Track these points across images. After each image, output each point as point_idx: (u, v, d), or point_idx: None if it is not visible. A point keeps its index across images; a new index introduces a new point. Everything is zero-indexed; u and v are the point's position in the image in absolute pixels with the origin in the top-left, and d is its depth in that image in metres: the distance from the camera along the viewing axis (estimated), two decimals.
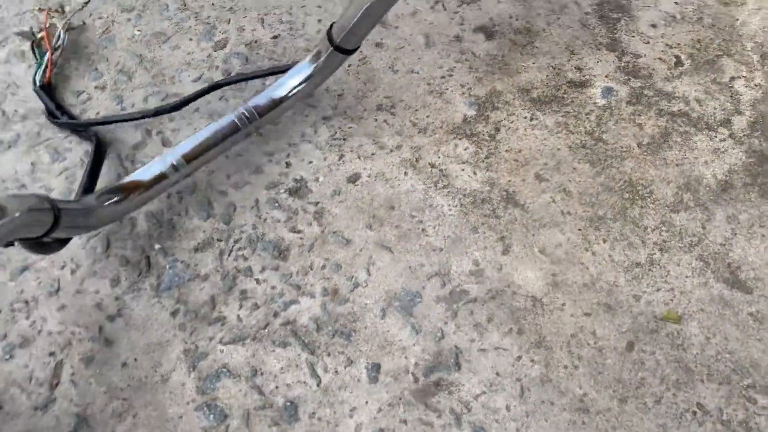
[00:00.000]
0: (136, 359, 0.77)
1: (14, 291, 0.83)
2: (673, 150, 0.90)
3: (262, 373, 0.75)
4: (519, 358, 0.75)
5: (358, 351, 0.76)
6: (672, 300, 0.78)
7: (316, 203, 0.88)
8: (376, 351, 0.76)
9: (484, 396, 0.72)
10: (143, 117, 0.93)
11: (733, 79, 0.97)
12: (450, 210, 0.86)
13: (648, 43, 1.02)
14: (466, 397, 0.72)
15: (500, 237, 0.84)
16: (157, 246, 0.85)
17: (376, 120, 0.96)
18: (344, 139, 0.94)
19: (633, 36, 1.03)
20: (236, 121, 0.83)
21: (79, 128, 0.96)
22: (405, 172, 0.90)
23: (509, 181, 0.88)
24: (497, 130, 0.93)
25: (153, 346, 0.78)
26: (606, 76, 0.98)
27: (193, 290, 0.82)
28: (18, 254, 0.86)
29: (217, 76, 1.01)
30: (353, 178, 0.90)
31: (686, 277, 0.79)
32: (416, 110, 0.96)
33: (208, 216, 0.87)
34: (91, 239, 0.87)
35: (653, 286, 0.79)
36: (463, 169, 0.90)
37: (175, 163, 0.80)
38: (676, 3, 1.07)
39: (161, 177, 0.80)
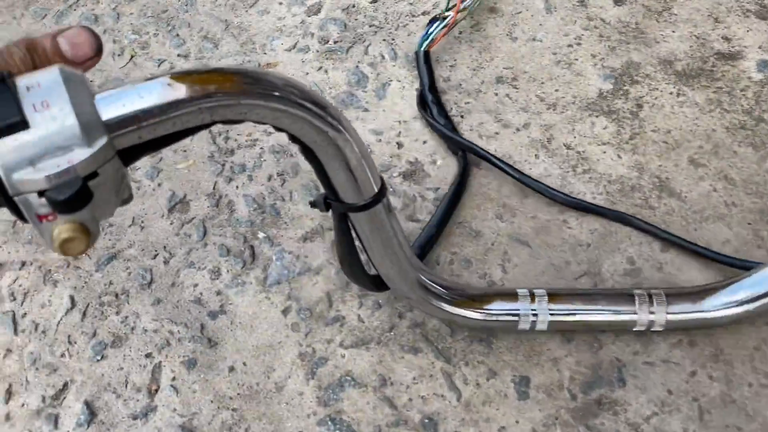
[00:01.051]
0: (244, 363, 0.68)
1: (101, 282, 0.74)
2: None
3: (392, 383, 0.66)
4: (693, 373, 0.64)
5: (500, 361, 0.66)
6: None
7: (436, 189, 0.77)
8: (522, 361, 0.66)
9: (655, 418, 0.62)
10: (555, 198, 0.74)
11: None
12: (594, 198, 0.75)
13: None
14: (634, 418, 0.62)
15: None
16: (260, 234, 0.76)
17: (496, 94, 0.85)
18: (461, 116, 0.83)
19: None
20: (637, 313, 0.63)
21: (449, 140, 0.79)
22: (536, 154, 0.79)
23: (660, 166, 0.77)
24: (639, 106, 0.82)
25: (263, 348, 0.69)
26: (759, 48, 0.86)
27: (305, 285, 0.72)
28: (103, 240, 0.77)
29: (313, 45, 0.91)
30: (476, 161, 0.79)
31: None
32: (542, 83, 0.85)
33: None
34: (185, 225, 0.77)
35: None
36: (604, 152, 0.79)
37: (538, 315, 0.63)
38: None
39: (510, 323, 0.64)
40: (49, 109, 0.31)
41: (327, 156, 0.49)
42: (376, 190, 0.53)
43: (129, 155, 0.36)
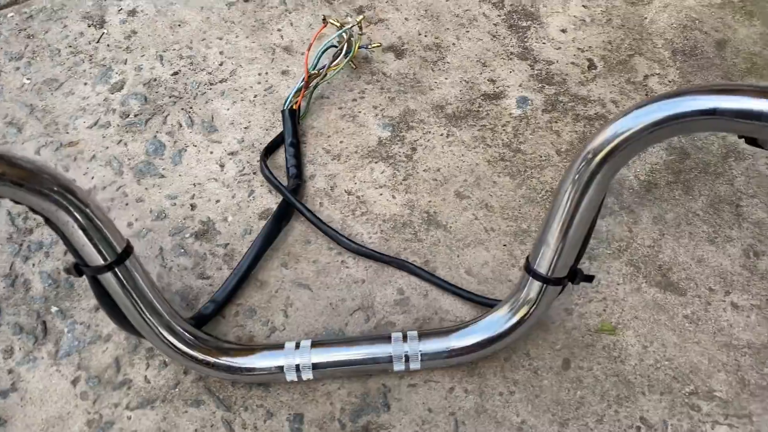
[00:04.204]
0: None
1: None
2: None
3: None
4: (451, 389, 0.69)
5: (278, 402, 0.70)
6: (605, 310, 0.74)
7: (226, 245, 0.82)
8: (298, 399, 0.70)
9: None
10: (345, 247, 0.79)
11: (647, 77, 0.96)
12: (370, 238, 0.81)
13: (559, 48, 1.00)
14: None
15: (425, 261, 0.79)
16: (54, 308, 0.78)
17: (285, 150, 0.90)
18: (254, 173, 0.88)
19: (544, 43, 1.01)
20: (393, 357, 0.67)
21: (279, 192, 0.84)
22: (320, 203, 0.85)
23: (429, 201, 0.84)
24: (414, 149, 0.89)
25: (52, 421, 0.70)
26: (520, 86, 0.96)
27: (95, 353, 0.74)
28: None
29: (114, 120, 0.95)
30: (265, 214, 0.84)
31: (617, 284, 0.76)
32: (329, 137, 0.92)
33: None
34: None
35: (585, 298, 0.75)
36: (381, 194, 0.85)
37: (300, 366, 0.67)
38: (584, 6, 1.06)
39: (275, 375, 0.68)
40: None
41: (66, 226, 0.55)
42: (120, 251, 0.59)
43: None
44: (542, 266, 0.63)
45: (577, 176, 0.56)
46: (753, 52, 0.99)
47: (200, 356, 0.67)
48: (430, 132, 0.91)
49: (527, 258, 0.65)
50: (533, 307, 0.65)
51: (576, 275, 0.64)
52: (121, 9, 1.09)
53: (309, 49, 0.92)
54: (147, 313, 0.64)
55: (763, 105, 0.49)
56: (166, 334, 0.65)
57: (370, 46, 0.98)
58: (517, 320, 0.66)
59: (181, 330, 0.66)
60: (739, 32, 1.01)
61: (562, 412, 0.67)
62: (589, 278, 0.65)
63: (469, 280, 0.77)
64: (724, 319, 0.73)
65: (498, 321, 0.67)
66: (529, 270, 0.64)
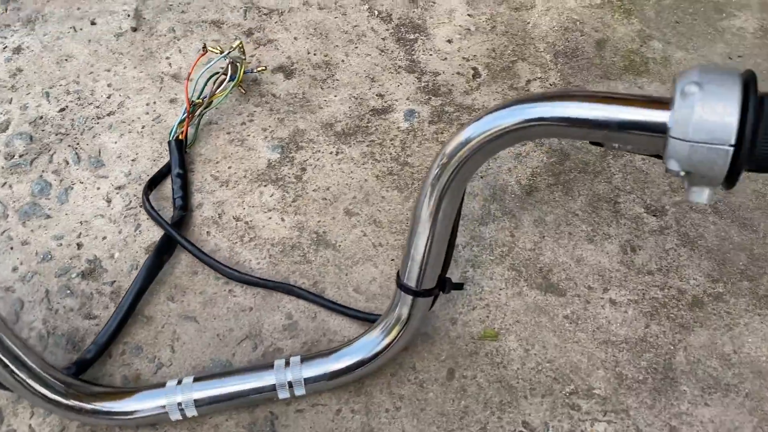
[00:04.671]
0: None
1: None
2: None
3: None
4: (338, 411, 0.70)
5: None
6: (488, 317, 0.75)
7: (112, 282, 0.80)
8: None
9: None
10: (231, 277, 0.79)
11: (529, 81, 0.98)
12: (258, 263, 0.81)
13: (445, 59, 1.02)
14: None
15: (313, 282, 0.79)
16: None
17: (171, 180, 0.90)
18: (140, 207, 0.87)
19: (431, 54, 1.02)
20: (276, 385, 0.67)
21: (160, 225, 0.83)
22: (207, 232, 0.84)
23: (319, 221, 0.84)
24: (303, 170, 0.89)
25: None
26: (407, 99, 0.97)
27: None
28: None
29: None
30: (152, 248, 0.83)
31: (500, 289, 0.77)
32: (217, 163, 0.91)
33: None
34: None
35: (468, 306, 0.76)
36: (270, 218, 0.85)
37: (183, 404, 0.66)
38: (469, 15, 1.07)
39: (159, 415, 0.66)
40: None
41: None
42: None
43: None
44: (411, 279, 0.63)
45: (434, 181, 0.57)
46: (631, 49, 1.02)
47: (77, 404, 0.65)
48: (319, 151, 0.91)
49: (398, 273, 0.65)
50: (406, 322, 0.65)
51: (445, 284, 0.65)
52: (6, 47, 1.07)
53: (188, 79, 0.91)
54: (13, 368, 0.62)
55: (586, 111, 0.51)
56: (36, 386, 0.64)
57: (256, 69, 0.98)
58: (393, 336, 0.66)
59: (53, 380, 0.64)
60: (618, 31, 1.04)
61: (446, 423, 0.68)
62: (459, 286, 0.66)
63: (357, 297, 0.77)
64: (603, 316, 0.75)
65: (375, 338, 0.67)
66: (400, 284, 0.64)
